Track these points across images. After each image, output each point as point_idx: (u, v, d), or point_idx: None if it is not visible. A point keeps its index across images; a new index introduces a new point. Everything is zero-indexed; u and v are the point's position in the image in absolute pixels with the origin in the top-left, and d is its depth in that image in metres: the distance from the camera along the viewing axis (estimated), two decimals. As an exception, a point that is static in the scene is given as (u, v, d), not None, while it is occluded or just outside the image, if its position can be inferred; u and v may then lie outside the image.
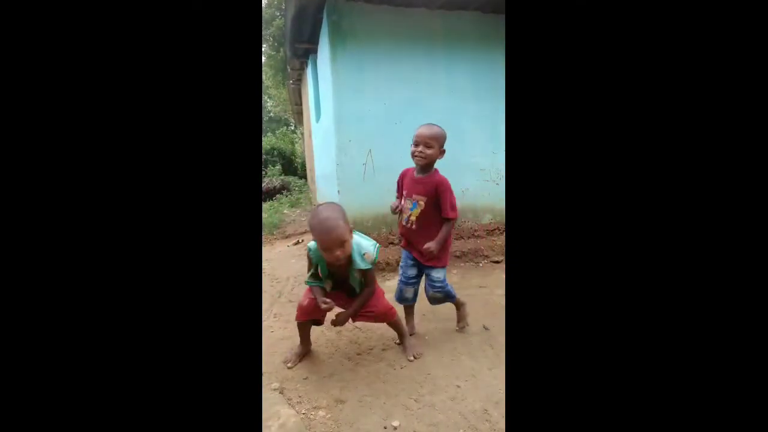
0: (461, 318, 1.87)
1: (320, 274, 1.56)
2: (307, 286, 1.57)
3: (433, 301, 1.80)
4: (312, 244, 1.47)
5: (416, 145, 1.62)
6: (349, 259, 1.44)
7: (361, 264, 1.45)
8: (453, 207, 1.63)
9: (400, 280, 1.78)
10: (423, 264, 1.70)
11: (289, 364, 1.61)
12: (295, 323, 1.64)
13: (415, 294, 1.80)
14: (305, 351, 1.68)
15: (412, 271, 1.76)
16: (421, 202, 1.64)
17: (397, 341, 1.73)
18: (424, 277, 1.79)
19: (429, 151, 1.60)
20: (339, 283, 1.57)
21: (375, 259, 1.48)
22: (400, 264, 1.80)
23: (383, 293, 1.64)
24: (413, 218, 1.66)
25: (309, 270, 1.55)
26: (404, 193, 1.71)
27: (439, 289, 1.72)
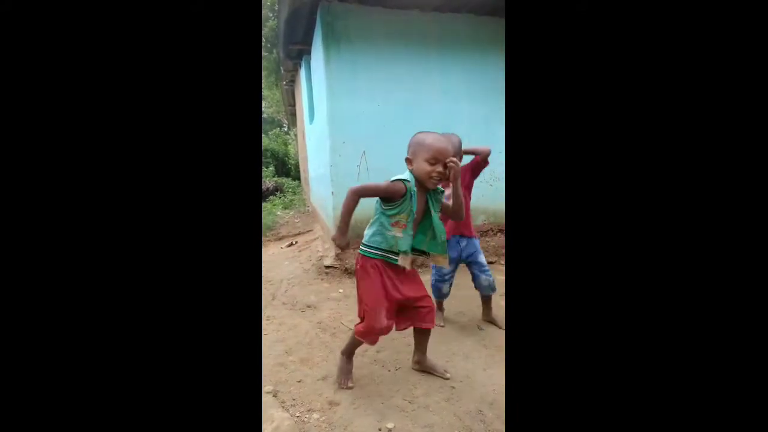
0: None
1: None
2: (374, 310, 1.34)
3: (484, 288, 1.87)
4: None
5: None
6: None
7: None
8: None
9: (436, 279, 1.92)
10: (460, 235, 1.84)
11: (350, 384, 1.46)
12: (291, 325, 1.62)
13: (450, 288, 1.95)
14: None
15: (447, 268, 1.85)
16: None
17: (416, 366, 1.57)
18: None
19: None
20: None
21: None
22: (433, 265, 1.89)
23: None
24: None
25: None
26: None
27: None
